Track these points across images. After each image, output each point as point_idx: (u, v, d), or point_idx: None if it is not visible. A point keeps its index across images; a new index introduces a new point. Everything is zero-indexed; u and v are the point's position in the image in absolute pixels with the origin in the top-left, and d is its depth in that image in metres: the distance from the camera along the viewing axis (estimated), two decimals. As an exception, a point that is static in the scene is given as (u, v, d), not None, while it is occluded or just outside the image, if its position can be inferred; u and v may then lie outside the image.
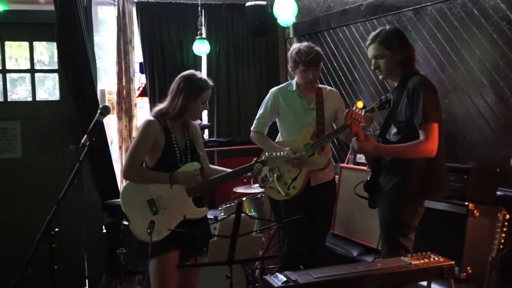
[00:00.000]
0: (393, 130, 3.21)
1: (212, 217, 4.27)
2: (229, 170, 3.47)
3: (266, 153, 3.54)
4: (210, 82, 3.41)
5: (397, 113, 3.16)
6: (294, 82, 4.16)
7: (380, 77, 3.29)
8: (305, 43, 4.03)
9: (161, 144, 3.30)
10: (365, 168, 4.27)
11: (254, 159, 3.43)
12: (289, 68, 4.14)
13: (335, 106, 4.14)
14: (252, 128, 4.27)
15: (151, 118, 3.35)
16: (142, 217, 3.24)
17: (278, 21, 5.02)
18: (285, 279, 2.43)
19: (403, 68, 3.20)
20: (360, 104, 3.07)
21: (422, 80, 3.09)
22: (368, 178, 3.32)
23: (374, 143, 3.06)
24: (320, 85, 4.22)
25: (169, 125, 3.34)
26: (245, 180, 4.59)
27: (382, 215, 3.25)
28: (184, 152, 3.39)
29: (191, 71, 3.45)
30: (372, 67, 3.29)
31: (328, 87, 4.29)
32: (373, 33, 3.25)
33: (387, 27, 3.32)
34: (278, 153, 3.40)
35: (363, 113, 3.01)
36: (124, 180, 6.00)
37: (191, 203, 3.33)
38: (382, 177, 3.24)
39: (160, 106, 3.40)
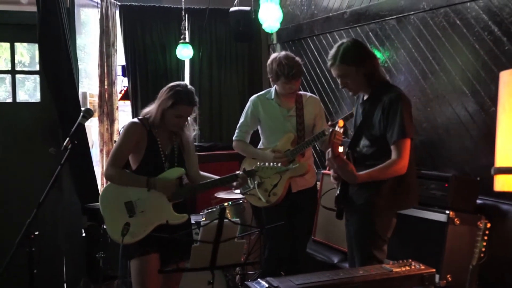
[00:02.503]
0: (365, 142, 3.19)
1: (194, 222, 4.25)
2: (216, 177, 3.47)
3: (258, 163, 3.41)
4: (194, 100, 3.35)
5: (369, 126, 3.13)
6: (273, 90, 4.17)
7: (351, 93, 3.28)
8: (283, 54, 4.02)
9: (143, 147, 3.31)
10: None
11: (243, 167, 3.41)
12: (269, 78, 4.12)
13: (315, 112, 4.15)
14: (234, 137, 4.27)
15: (135, 120, 3.38)
16: (117, 218, 3.25)
17: (263, 27, 5.03)
18: (266, 285, 2.43)
19: (370, 79, 3.16)
20: (341, 123, 3.07)
21: (400, 95, 3.07)
22: (338, 191, 3.24)
23: (355, 172, 3.02)
24: (300, 92, 4.23)
25: (154, 129, 3.34)
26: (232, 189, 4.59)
27: (355, 229, 3.23)
28: (170, 157, 3.39)
29: (184, 83, 3.43)
30: (340, 87, 3.26)
31: (308, 94, 4.30)
32: (331, 53, 3.19)
33: (344, 41, 3.23)
34: (271, 164, 3.33)
35: (341, 132, 3.03)
36: (105, 183, 5.97)
37: (170, 208, 3.30)
38: (353, 190, 3.19)
39: (146, 110, 3.40)
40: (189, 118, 3.44)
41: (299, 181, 4.07)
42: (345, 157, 3.11)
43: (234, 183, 3.42)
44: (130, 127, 3.34)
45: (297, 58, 4.01)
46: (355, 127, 3.31)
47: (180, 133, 3.44)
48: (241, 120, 4.26)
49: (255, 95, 4.27)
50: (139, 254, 3.23)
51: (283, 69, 3.91)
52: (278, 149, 4.01)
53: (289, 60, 3.93)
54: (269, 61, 4.06)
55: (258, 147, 4.25)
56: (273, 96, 4.13)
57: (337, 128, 3.01)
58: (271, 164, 3.34)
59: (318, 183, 4.82)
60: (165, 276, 3.34)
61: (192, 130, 3.51)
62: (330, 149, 3.00)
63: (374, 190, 3.09)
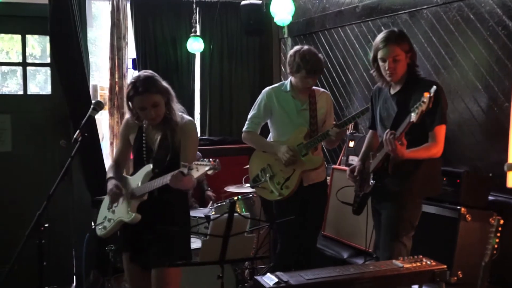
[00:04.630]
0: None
1: (203, 216, 4.25)
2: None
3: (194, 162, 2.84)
4: (144, 87, 3.05)
5: (406, 115, 3.06)
6: (288, 82, 4.14)
7: (390, 78, 3.22)
8: (306, 48, 3.97)
9: (132, 142, 3.30)
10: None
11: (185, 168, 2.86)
12: (287, 69, 4.09)
13: (326, 108, 4.14)
14: (244, 129, 4.22)
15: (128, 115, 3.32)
16: (103, 210, 3.38)
17: (275, 20, 5.00)
18: (276, 280, 2.41)
19: (410, 70, 3.22)
20: (426, 94, 2.94)
21: (439, 85, 3.10)
22: (373, 181, 3.30)
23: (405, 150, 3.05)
24: (313, 87, 4.20)
25: (145, 123, 3.25)
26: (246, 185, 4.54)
27: (390, 216, 3.26)
28: (151, 152, 3.23)
29: (141, 73, 3.19)
30: (386, 68, 3.18)
31: (321, 89, 4.28)
32: (384, 35, 3.20)
33: (395, 29, 3.32)
34: (205, 161, 2.75)
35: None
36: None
37: (128, 206, 3.14)
38: (387, 180, 3.24)
39: None
40: (174, 105, 3.19)
41: (310, 175, 4.05)
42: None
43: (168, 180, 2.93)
44: (123, 123, 3.36)
45: (320, 55, 3.99)
46: (382, 119, 3.34)
47: (170, 125, 3.18)
48: (253, 111, 4.22)
49: (269, 87, 4.23)
50: (121, 250, 3.37)
51: (306, 63, 3.89)
52: (291, 143, 3.99)
53: (312, 56, 3.92)
54: (291, 52, 4.01)
55: (268, 140, 4.22)
56: (288, 89, 4.11)
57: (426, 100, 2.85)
58: (205, 160, 2.80)
59: (328, 178, 4.81)
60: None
61: (180, 119, 3.21)
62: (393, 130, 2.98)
63: (409, 177, 3.17)
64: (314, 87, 4.17)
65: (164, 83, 3.18)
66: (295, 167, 3.96)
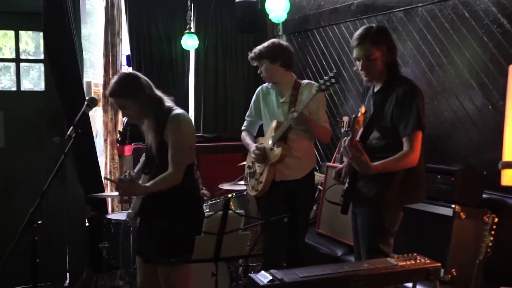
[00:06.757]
0: (375, 134, 3.08)
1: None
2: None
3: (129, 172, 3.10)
4: (109, 90, 3.10)
5: (381, 118, 3.03)
6: None
7: (366, 79, 3.08)
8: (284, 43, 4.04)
9: None
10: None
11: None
12: None
13: (310, 98, 4.02)
14: (242, 128, 4.24)
15: None
16: None
17: (270, 17, 5.00)
18: (270, 277, 2.40)
19: (389, 70, 3.04)
20: (363, 109, 2.90)
21: (415, 87, 2.97)
22: (347, 185, 3.14)
23: (369, 162, 2.88)
24: (300, 80, 4.11)
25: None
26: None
27: (363, 222, 3.15)
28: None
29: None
30: (359, 69, 3.05)
31: (307, 80, 4.14)
32: (360, 33, 3.02)
33: (374, 25, 3.10)
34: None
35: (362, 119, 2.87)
36: (108, 173, 5.96)
37: (134, 201, 3.23)
38: (362, 183, 3.11)
39: None
40: (149, 105, 3.14)
41: (284, 171, 3.92)
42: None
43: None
44: None
45: (277, 42, 3.97)
46: (365, 119, 3.16)
47: (154, 126, 3.11)
48: (248, 111, 4.24)
49: (261, 86, 4.22)
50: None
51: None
52: (267, 138, 3.95)
53: (266, 43, 3.96)
54: None
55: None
56: (271, 84, 4.08)
57: (359, 115, 2.82)
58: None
59: (322, 175, 4.82)
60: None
61: (164, 116, 3.10)
62: (347, 137, 2.85)
63: (384, 183, 3.00)
64: (300, 80, 4.08)
65: (137, 83, 3.19)
66: (265, 163, 3.92)
